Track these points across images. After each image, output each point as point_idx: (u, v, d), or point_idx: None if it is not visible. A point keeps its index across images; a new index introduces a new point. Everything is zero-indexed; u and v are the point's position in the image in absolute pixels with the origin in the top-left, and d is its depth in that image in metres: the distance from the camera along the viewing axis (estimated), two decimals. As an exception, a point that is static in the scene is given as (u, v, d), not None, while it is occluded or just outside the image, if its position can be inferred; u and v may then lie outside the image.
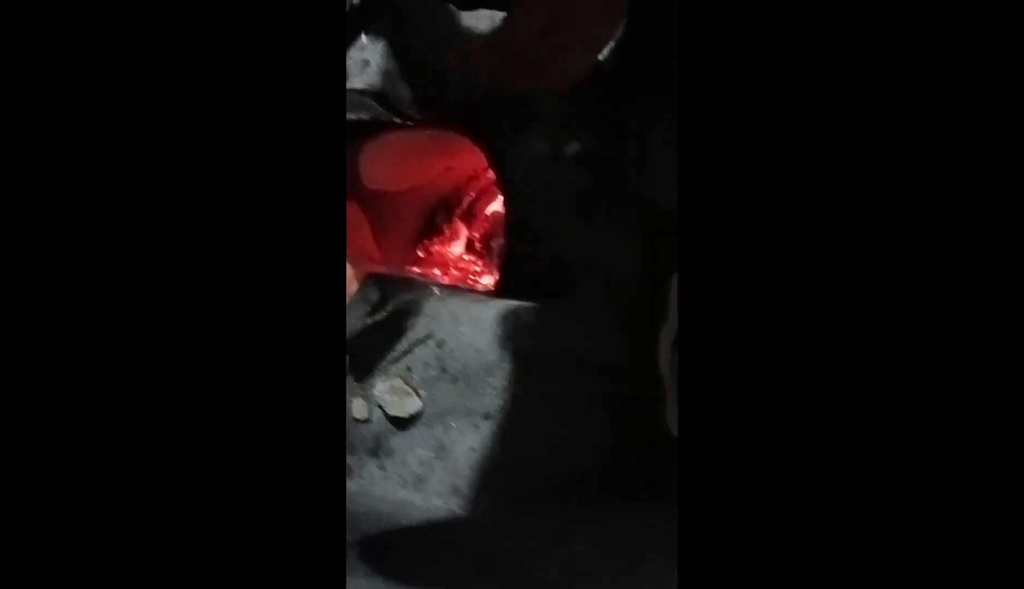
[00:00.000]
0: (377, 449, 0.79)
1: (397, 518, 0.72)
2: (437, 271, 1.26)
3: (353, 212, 1.15)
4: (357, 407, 0.82)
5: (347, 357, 0.84)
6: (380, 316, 0.78)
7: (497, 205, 1.24)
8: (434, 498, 0.75)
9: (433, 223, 1.30)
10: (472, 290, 0.90)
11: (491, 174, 1.26)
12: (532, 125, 0.90)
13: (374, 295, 0.78)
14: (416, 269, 1.28)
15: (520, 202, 0.89)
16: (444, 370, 0.75)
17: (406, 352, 0.79)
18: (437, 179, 1.26)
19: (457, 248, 1.25)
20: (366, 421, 0.81)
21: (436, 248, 1.27)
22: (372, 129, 1.00)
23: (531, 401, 0.77)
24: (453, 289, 0.85)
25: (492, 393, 0.76)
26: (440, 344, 0.77)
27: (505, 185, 0.94)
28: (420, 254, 1.29)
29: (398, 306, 0.78)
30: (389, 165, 1.13)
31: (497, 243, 1.19)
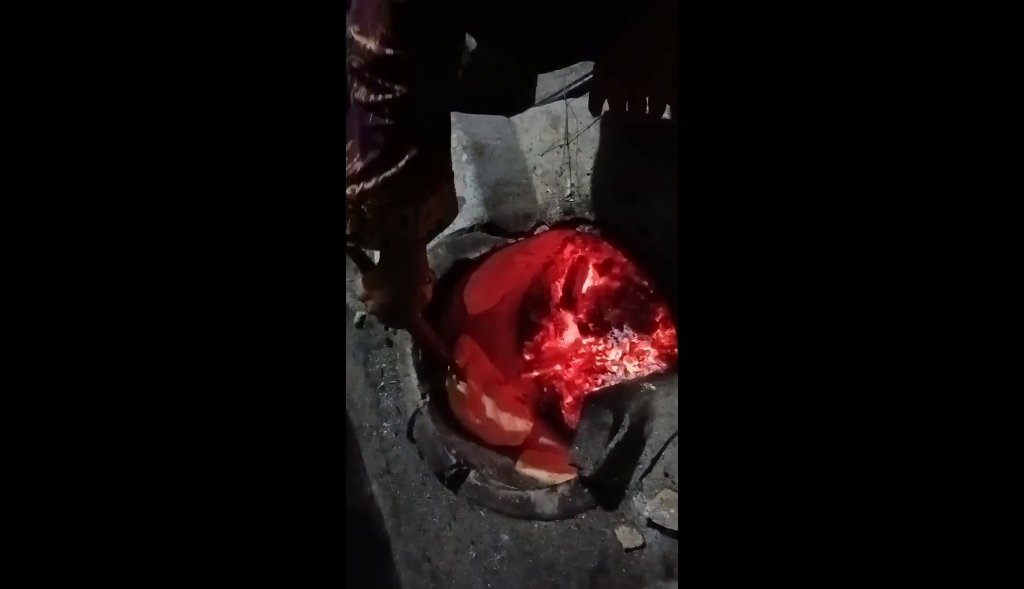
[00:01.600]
0: (671, 570, 0.74)
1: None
2: (558, 367, 1.22)
3: (469, 346, 1.11)
4: (624, 536, 0.77)
5: (585, 489, 0.79)
6: (621, 436, 0.74)
7: (590, 281, 1.22)
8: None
9: (529, 321, 1.27)
10: (673, 372, 0.86)
11: (569, 253, 1.24)
12: (649, 191, 0.89)
13: (606, 417, 0.74)
14: (536, 373, 1.24)
15: (671, 268, 0.88)
16: (713, 461, 0.72)
17: (655, 460, 0.75)
18: (519, 279, 1.24)
19: (569, 336, 1.22)
20: (642, 547, 0.76)
21: (546, 346, 1.23)
22: (483, 260, 0.98)
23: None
24: (661, 378, 0.82)
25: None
26: (693, 437, 0.74)
27: (640, 258, 0.92)
28: (528, 357, 1.25)
29: (633, 417, 0.74)
30: (484, 285, 1.10)
31: (612, 314, 1.17)
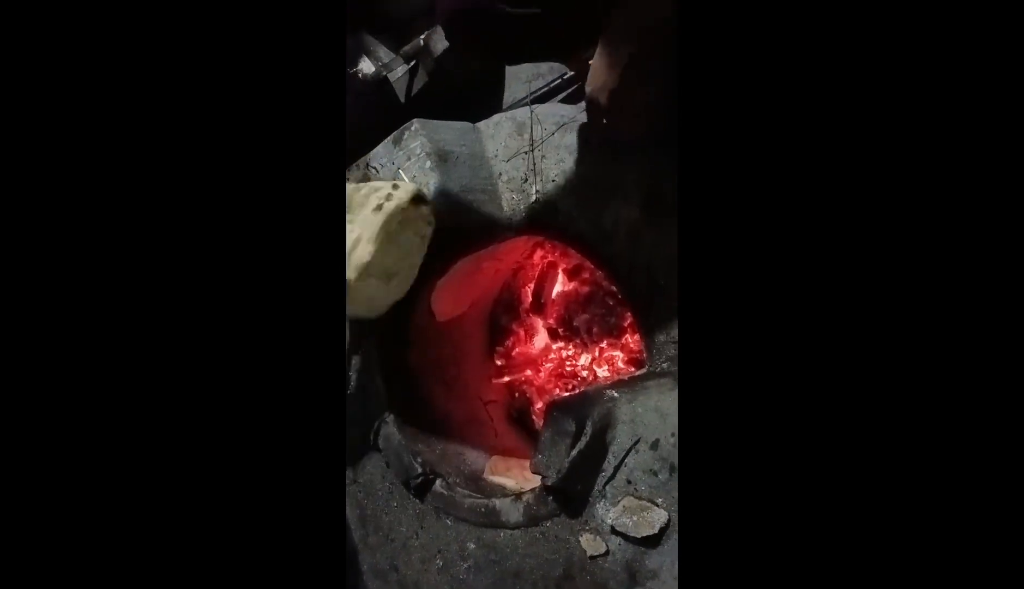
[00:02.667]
0: (634, 577, 0.74)
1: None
2: (529, 372, 1.22)
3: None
4: (588, 543, 0.77)
5: (549, 497, 0.79)
6: (583, 444, 0.74)
7: (560, 286, 1.22)
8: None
9: (499, 326, 1.27)
10: (636, 379, 0.86)
11: (539, 258, 1.24)
12: (614, 194, 0.90)
13: (568, 425, 0.74)
14: (507, 378, 1.23)
15: (636, 273, 0.88)
16: (674, 469, 0.72)
17: (618, 468, 0.75)
18: (488, 284, 1.23)
19: (540, 342, 1.22)
20: (605, 554, 0.76)
21: (516, 351, 1.23)
22: (448, 266, 0.97)
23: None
24: (624, 385, 0.82)
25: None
26: (655, 445, 0.74)
27: (606, 263, 0.92)
28: (499, 362, 1.25)
29: (595, 425, 0.74)
30: (453, 293, 1.09)
31: (581, 319, 1.17)
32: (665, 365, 0.86)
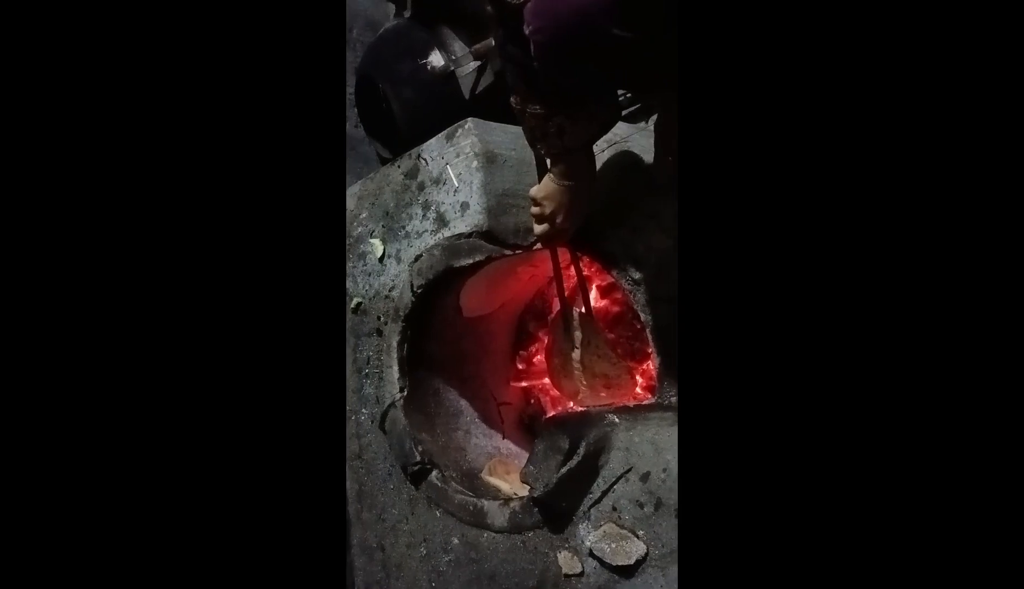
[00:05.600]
0: (604, 603, 0.74)
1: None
2: (547, 380, 1.23)
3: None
4: (565, 561, 0.77)
5: (535, 508, 0.80)
6: (574, 463, 0.74)
7: (591, 301, 1.22)
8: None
9: (526, 331, 1.28)
10: (640, 408, 0.86)
11: (576, 271, 1.24)
12: (649, 223, 0.89)
13: (563, 442, 0.75)
14: (525, 383, 1.24)
15: (659, 304, 0.87)
16: (660, 504, 0.71)
17: (606, 493, 0.75)
18: (521, 289, 1.24)
19: (562, 353, 1.22)
20: (580, 574, 0.76)
21: (538, 358, 1.24)
22: (478, 267, 0.99)
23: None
24: (627, 412, 0.82)
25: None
26: (645, 477, 0.74)
27: (631, 287, 0.92)
28: (520, 366, 1.26)
29: (589, 447, 0.75)
30: (484, 291, 1.11)
31: (607, 338, 1.17)
32: (673, 399, 0.85)
